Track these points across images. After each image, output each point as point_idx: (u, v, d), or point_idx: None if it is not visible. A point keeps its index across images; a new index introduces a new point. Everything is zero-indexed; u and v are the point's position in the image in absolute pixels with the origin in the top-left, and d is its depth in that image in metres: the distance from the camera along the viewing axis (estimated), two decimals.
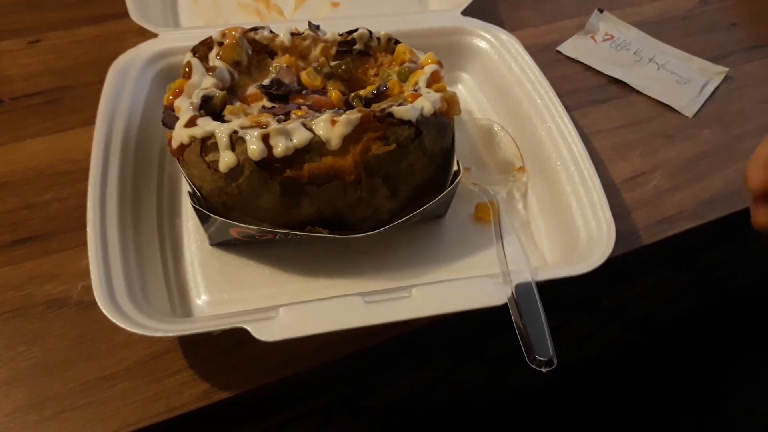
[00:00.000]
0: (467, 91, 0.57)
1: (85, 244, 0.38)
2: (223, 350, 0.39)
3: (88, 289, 0.37)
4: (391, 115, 0.40)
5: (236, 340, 0.37)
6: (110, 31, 0.59)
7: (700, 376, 0.78)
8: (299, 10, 0.61)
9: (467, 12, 0.58)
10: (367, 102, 0.44)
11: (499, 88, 0.54)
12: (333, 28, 0.50)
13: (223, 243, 0.43)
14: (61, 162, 0.48)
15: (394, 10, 0.61)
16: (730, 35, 0.69)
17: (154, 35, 0.52)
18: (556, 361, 0.34)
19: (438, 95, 0.43)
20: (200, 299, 0.41)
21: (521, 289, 0.37)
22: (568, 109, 0.50)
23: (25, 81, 0.54)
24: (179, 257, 0.43)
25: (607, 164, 0.53)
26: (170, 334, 0.34)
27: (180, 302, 0.41)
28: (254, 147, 0.37)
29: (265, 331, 0.34)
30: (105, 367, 0.38)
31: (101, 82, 0.48)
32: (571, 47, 0.64)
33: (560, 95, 0.50)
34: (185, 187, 0.44)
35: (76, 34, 0.58)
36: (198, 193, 0.40)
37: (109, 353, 0.38)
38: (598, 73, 0.62)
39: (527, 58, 0.53)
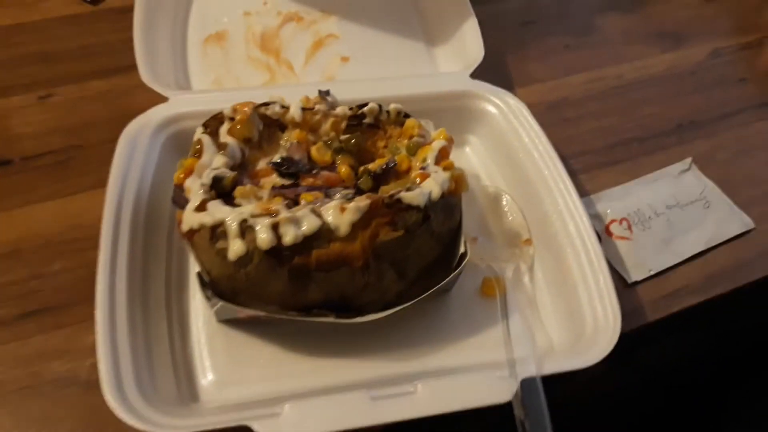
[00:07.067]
0: (474, 154, 0.57)
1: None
2: None
3: (97, 367, 0.37)
4: (399, 201, 0.40)
5: None
6: (120, 86, 0.59)
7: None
8: (309, 64, 0.61)
9: (475, 74, 0.58)
10: (376, 177, 0.44)
11: (507, 154, 0.54)
12: (343, 92, 0.50)
13: (229, 320, 0.43)
14: (70, 229, 0.48)
15: (403, 67, 0.61)
16: (739, 91, 0.69)
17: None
18: None
19: (446, 175, 0.43)
20: (206, 379, 0.41)
21: (526, 385, 0.37)
22: (576, 172, 0.50)
23: (36, 139, 0.54)
24: (186, 333, 0.43)
25: None
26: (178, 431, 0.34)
27: (186, 382, 0.41)
28: (264, 236, 0.37)
29: (270, 429, 0.34)
30: None
31: (111, 140, 0.48)
32: None
33: (567, 157, 0.50)
34: (194, 260, 0.44)
35: (86, 89, 0.58)
36: (206, 275, 0.40)
37: None
38: (606, 135, 0.62)
39: (535, 125, 0.53)
